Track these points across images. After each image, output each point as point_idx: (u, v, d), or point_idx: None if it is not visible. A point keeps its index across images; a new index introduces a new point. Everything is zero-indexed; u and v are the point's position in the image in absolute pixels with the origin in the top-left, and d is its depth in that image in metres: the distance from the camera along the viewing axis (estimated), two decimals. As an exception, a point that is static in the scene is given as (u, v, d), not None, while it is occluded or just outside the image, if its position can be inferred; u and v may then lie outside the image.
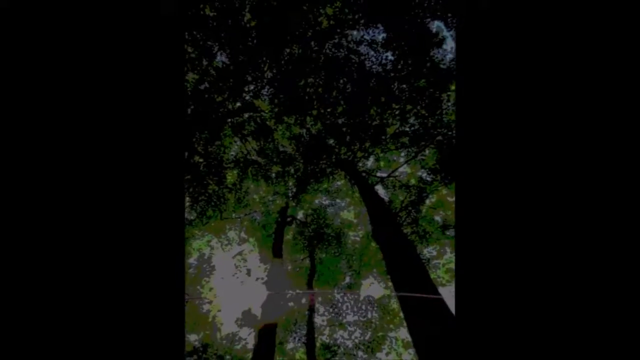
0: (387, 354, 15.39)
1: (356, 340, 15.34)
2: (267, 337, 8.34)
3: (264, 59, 10.36)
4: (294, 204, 16.41)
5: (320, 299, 16.42)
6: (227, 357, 14.66)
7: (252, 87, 11.51)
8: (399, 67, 9.70)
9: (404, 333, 20.64)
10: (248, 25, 9.68)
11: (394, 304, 15.47)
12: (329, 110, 11.69)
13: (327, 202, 16.98)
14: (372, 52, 9.92)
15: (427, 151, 11.08)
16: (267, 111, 12.18)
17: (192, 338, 15.40)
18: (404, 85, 10.00)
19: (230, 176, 12.68)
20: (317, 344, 15.20)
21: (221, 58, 10.73)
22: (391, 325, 15.37)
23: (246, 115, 12.23)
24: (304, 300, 16.21)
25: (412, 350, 15.25)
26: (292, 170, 13.57)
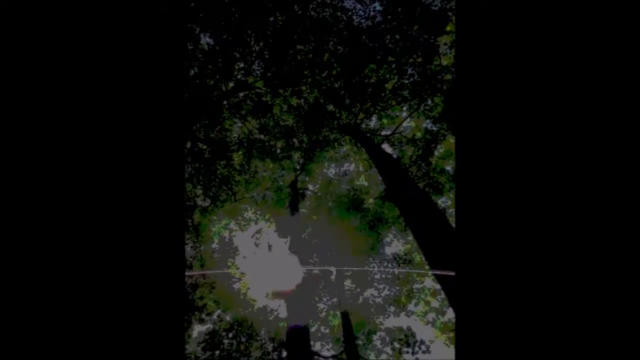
0: (416, 304, 15.94)
1: (386, 297, 15.88)
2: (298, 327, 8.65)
3: (249, 32, 10.01)
4: (303, 177, 16.48)
5: (347, 265, 16.86)
6: (263, 329, 15.39)
7: (242, 65, 11.23)
8: (389, 17, 9.26)
9: (429, 282, 21.24)
10: (226, 0, 9.27)
11: (417, 257, 15.80)
12: (323, 75, 11.38)
13: (337, 170, 16.99)
14: (358, 6, 9.46)
15: (429, 100, 10.81)
16: (261, 87, 11.94)
17: (228, 317, 16.17)
18: (397, 36, 9.60)
19: (237, 157, 12.70)
20: (350, 306, 15.79)
21: (205, 39, 10.41)
22: (417, 277, 15.79)
23: (241, 94, 12.03)
24: (330, 268, 16.68)
25: (440, 297, 15.74)
26: (297, 143, 13.49)
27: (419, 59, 9.64)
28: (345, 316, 12.61)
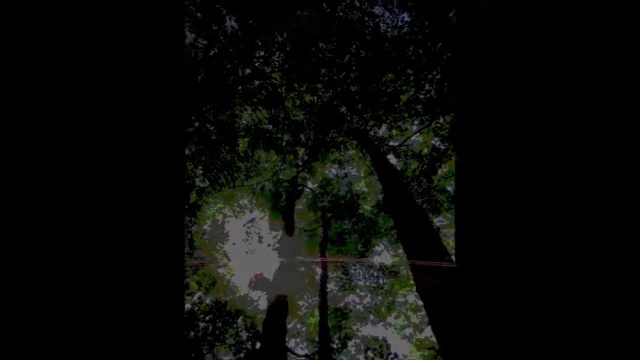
0: (397, 317, 15.97)
1: (367, 305, 15.90)
2: (279, 308, 8.64)
3: (274, 22, 9.99)
4: (304, 174, 16.48)
5: (332, 266, 16.88)
6: (240, 317, 15.39)
7: (262, 53, 11.20)
8: (415, 29, 9.26)
9: (412, 298, 21.20)
10: (257, -14, 9.26)
11: (404, 271, 15.82)
12: (341, 76, 11.37)
13: (339, 172, 16.99)
14: (387, 14, 9.45)
15: (441, 118, 10.81)
16: (277, 78, 11.92)
17: (208, 300, 16.18)
18: (420, 50, 9.59)
19: (242, 144, 12.69)
20: (330, 308, 15.81)
21: (230, 22, 10.39)
22: (401, 291, 15.81)
23: (256, 82, 12.00)
24: (316, 269, 16.70)
25: (420, 314, 15.77)
26: (303, 139, 13.48)
27: (438, 76, 9.64)
28: (323, 317, 12.63)
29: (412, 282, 15.40)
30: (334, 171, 17.19)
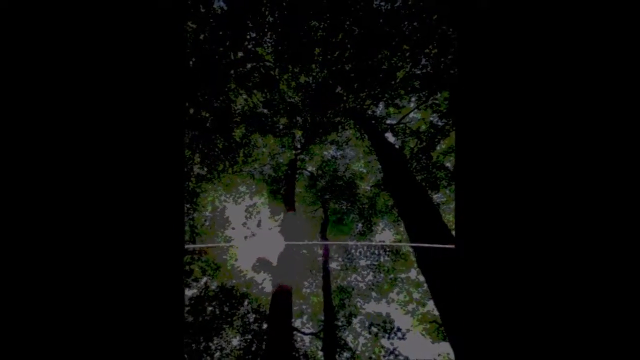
0: (398, 293, 16.30)
1: (369, 283, 16.19)
2: (284, 297, 8.78)
3: (264, 1, 9.70)
4: (303, 156, 16.42)
5: (334, 247, 17.09)
6: (246, 300, 15.69)
7: (253, 35, 10.93)
8: (409, 2, 9.01)
9: (413, 274, 21.58)
10: (245, -37, 8.92)
11: (405, 248, 16.03)
12: (335, 55, 11.14)
13: (337, 153, 16.93)
14: (380, -13, 9.17)
15: (438, 94, 10.68)
16: (270, 60, 11.69)
17: (214, 285, 16.45)
18: (415, 23, 9.36)
19: (239, 130, 12.57)
20: (333, 287, 16.11)
21: (219, 3, 10.07)
22: (402, 268, 16.08)
23: (249, 65, 11.77)
24: (318, 250, 16.90)
25: (421, 289, 16.09)
26: (300, 122, 13.35)
27: (434, 50, 9.45)
28: (327, 295, 12.88)
29: (413, 259, 15.64)
30: (332, 152, 17.14)
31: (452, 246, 5.32)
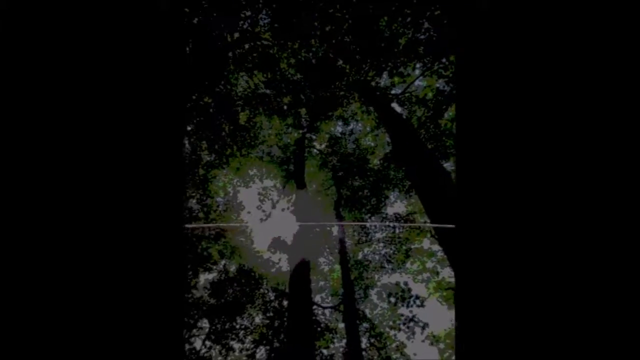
0: (412, 263, 16.49)
1: (385, 255, 16.39)
2: (302, 272, 8.94)
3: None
4: (310, 135, 16.29)
5: (348, 222, 17.21)
6: (265, 280, 16.13)
7: (248, 13, 10.62)
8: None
9: (427, 244, 21.72)
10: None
11: (419, 219, 16.06)
12: (334, 28, 10.77)
13: (345, 129, 16.74)
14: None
15: (444, 59, 10.30)
16: (268, 38, 11.39)
17: (232, 268, 16.91)
18: (415, -15, 8.92)
19: (243, 113, 12.48)
20: (350, 262, 16.38)
21: (210, -18, 9.74)
22: (418, 238, 16.17)
23: (247, 45, 11.51)
24: (333, 227, 17.07)
25: (435, 259, 16.23)
26: (304, 99, 13.15)
27: (437, 12, 9.04)
28: (344, 270, 13.11)
29: (427, 229, 15.67)
30: (339, 129, 16.96)
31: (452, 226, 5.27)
